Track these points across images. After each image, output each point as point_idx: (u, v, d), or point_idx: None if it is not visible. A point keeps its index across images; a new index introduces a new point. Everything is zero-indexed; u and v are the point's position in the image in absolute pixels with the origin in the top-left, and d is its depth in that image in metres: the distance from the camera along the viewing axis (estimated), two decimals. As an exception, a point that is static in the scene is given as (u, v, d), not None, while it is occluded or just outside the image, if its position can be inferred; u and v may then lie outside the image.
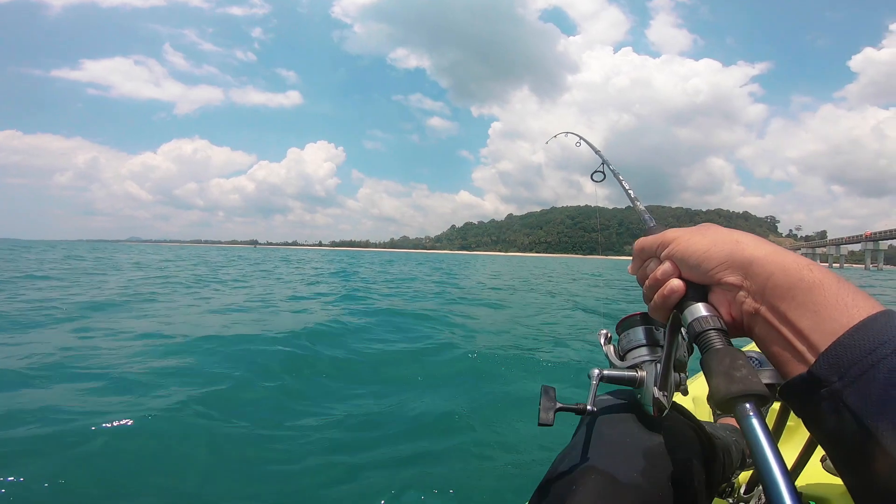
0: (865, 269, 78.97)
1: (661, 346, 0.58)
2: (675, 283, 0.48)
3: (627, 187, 0.79)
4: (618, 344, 0.64)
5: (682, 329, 0.49)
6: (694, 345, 0.45)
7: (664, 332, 0.56)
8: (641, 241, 0.55)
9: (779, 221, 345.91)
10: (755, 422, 0.34)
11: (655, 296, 0.50)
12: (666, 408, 0.55)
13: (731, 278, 0.44)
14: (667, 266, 0.50)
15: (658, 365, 0.55)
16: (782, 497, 0.29)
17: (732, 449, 0.82)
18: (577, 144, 1.08)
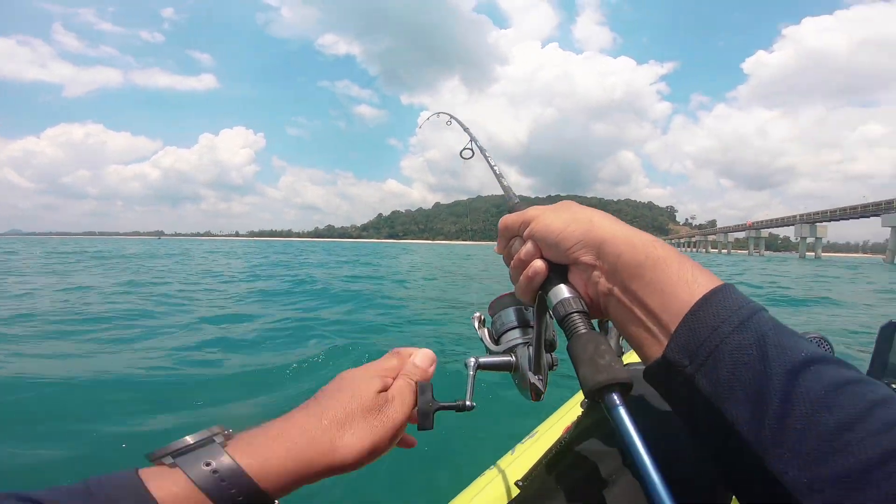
0: (749, 254, 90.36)
1: (532, 327, 0.58)
2: (538, 264, 0.47)
3: (493, 164, 0.79)
4: (491, 326, 0.63)
5: (549, 311, 0.48)
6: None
7: (533, 312, 0.55)
8: (506, 219, 0.54)
9: (677, 211, 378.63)
10: (622, 411, 0.34)
11: (521, 277, 0.50)
12: (542, 391, 0.54)
13: (586, 258, 0.44)
14: (529, 246, 0.49)
15: (530, 348, 0.55)
16: (658, 490, 0.30)
17: None
18: (448, 123, 1.05)
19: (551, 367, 0.56)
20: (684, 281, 0.37)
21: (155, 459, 0.33)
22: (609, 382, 0.35)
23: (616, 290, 0.41)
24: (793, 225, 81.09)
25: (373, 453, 0.40)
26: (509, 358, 0.56)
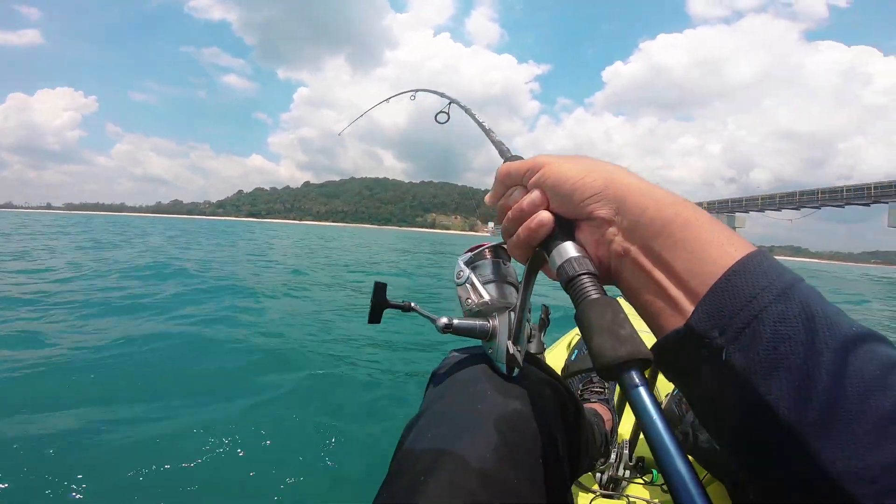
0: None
1: (510, 283, 0.53)
2: (544, 215, 0.41)
3: (481, 121, 0.72)
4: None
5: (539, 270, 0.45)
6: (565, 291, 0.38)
7: (504, 271, 0.52)
8: (508, 166, 0.47)
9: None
10: (643, 392, 0.29)
11: (520, 229, 0.43)
12: (520, 365, 0.47)
13: (603, 212, 0.38)
14: (535, 195, 0.43)
15: (512, 313, 0.48)
16: (684, 481, 0.26)
17: (595, 430, 0.73)
18: (412, 98, 1.04)
19: (530, 337, 0.51)
20: (718, 243, 0.32)
21: None
22: (631, 357, 0.30)
23: (634, 250, 0.36)
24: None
25: None
26: (486, 323, 0.50)
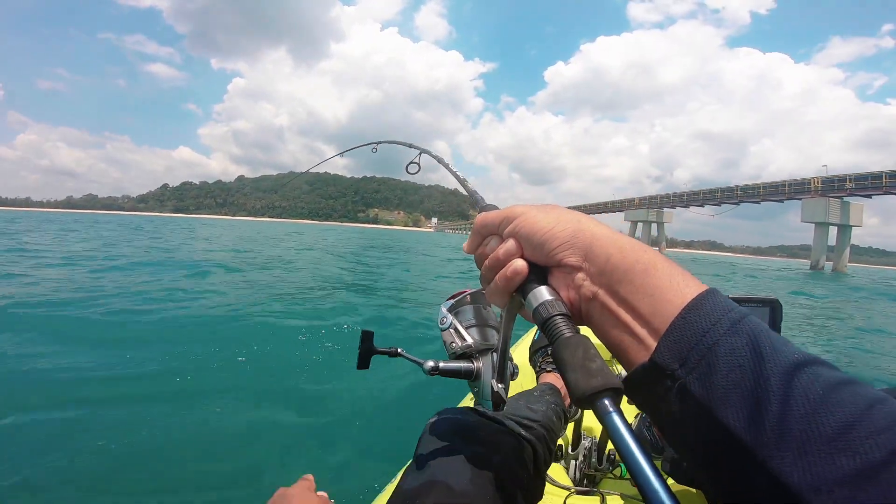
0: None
1: (491, 327, 0.57)
2: (519, 263, 0.45)
3: (456, 170, 0.76)
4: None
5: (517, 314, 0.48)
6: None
7: (484, 315, 0.56)
8: (484, 217, 0.50)
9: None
10: (616, 418, 0.32)
11: (497, 277, 0.47)
12: (504, 401, 0.52)
13: (572, 259, 0.42)
14: (510, 244, 0.46)
15: (494, 354, 0.52)
16: (658, 494, 0.28)
17: (553, 417, 0.85)
18: (374, 151, 1.05)
19: (513, 375, 0.54)
20: (675, 285, 0.36)
21: None
22: (602, 388, 0.33)
23: (601, 293, 0.39)
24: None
25: None
26: (470, 364, 0.53)
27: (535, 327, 1.74)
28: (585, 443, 1.16)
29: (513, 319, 0.50)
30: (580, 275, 0.41)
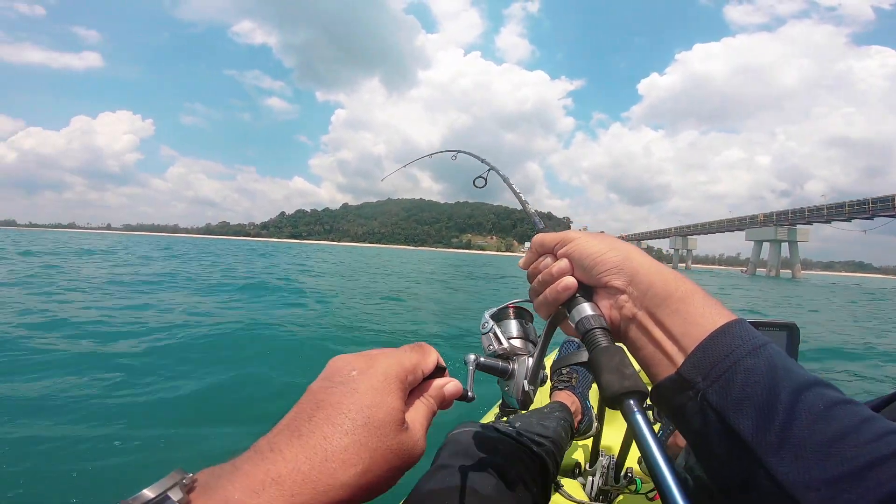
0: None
1: (531, 341, 0.63)
2: (570, 280, 0.50)
3: (518, 191, 0.82)
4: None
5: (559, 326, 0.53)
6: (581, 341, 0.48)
7: (524, 327, 0.62)
8: (542, 237, 0.57)
9: (573, 222, 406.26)
10: (639, 417, 0.37)
11: (547, 290, 0.52)
12: (531, 401, 0.57)
13: (618, 282, 0.48)
14: (563, 263, 0.52)
15: (529, 359, 0.58)
16: (671, 488, 0.33)
17: (561, 433, 0.93)
18: (453, 158, 1.08)
19: (542, 381, 0.59)
20: (707, 312, 0.42)
21: None
22: (631, 389, 0.39)
23: (641, 315, 0.45)
24: (668, 237, 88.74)
25: (386, 489, 0.35)
26: (507, 365, 0.58)
27: (557, 349, 1.98)
28: (603, 460, 1.20)
29: (553, 330, 0.56)
30: (623, 297, 0.47)
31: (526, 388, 0.56)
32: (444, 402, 0.43)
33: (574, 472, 1.21)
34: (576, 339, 1.22)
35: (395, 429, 0.34)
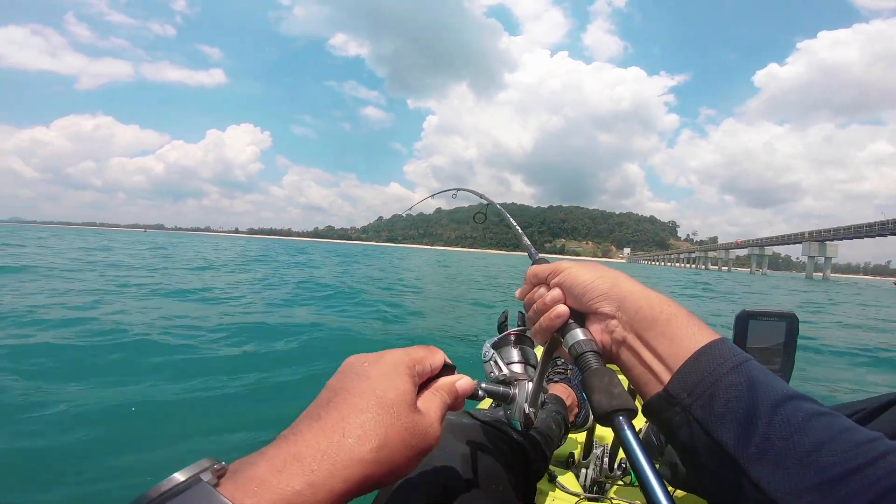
0: (751, 272, 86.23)
1: (532, 366, 0.66)
2: (562, 308, 0.53)
3: (514, 224, 0.86)
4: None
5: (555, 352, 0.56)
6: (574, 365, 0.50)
7: (525, 352, 0.65)
8: (535, 269, 0.60)
9: (679, 226, 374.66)
10: (629, 433, 0.40)
11: (542, 318, 0.55)
12: (533, 423, 0.59)
13: (607, 308, 0.50)
14: (556, 293, 0.55)
15: (529, 384, 0.60)
16: (659, 498, 0.35)
17: (552, 424, 0.95)
18: (454, 196, 1.11)
19: (542, 404, 0.61)
20: (690, 333, 0.45)
21: None
22: (620, 407, 0.41)
23: (630, 338, 0.48)
24: (800, 242, 76.86)
25: (403, 473, 0.37)
26: (508, 389, 0.60)
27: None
28: (597, 451, 1.21)
29: (550, 356, 0.59)
30: (613, 321, 0.50)
31: (527, 411, 0.58)
32: (456, 398, 0.45)
33: (568, 463, 1.22)
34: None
35: (408, 408, 0.37)
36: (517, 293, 0.63)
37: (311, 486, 0.30)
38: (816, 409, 0.37)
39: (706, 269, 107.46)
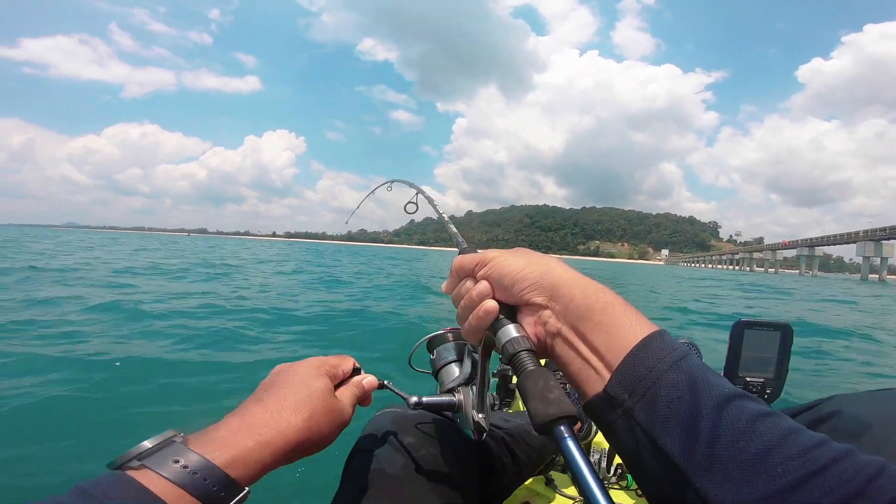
0: (800, 274, 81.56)
1: (469, 361, 0.62)
2: (490, 303, 0.49)
3: (441, 212, 0.84)
4: (431, 362, 0.66)
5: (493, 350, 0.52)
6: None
7: (474, 352, 0.61)
8: (460, 260, 0.55)
9: (720, 227, 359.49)
10: (570, 443, 0.37)
11: (470, 316, 0.51)
12: (486, 430, 0.56)
13: (539, 299, 0.47)
14: (483, 286, 0.50)
15: (473, 388, 0.57)
16: (598, 497, 0.33)
17: (531, 432, 0.88)
18: (389, 189, 1.12)
19: (493, 405, 0.60)
20: (628, 324, 0.42)
21: (121, 465, 0.36)
22: (559, 416, 0.37)
23: (564, 330, 0.45)
24: (854, 242, 71.99)
25: (326, 442, 0.48)
26: (452, 398, 0.58)
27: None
28: (594, 455, 1.20)
29: (488, 355, 0.54)
30: (546, 312, 0.47)
31: (476, 419, 0.55)
32: (364, 392, 0.56)
33: (565, 467, 1.20)
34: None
35: (328, 394, 0.49)
36: (443, 287, 0.58)
37: (260, 444, 0.41)
38: (759, 409, 0.35)
39: (751, 270, 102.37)
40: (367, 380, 0.57)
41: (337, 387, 0.53)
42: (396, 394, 0.58)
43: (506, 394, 1.16)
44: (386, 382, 0.59)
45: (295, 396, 0.46)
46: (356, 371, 0.57)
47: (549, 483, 1.13)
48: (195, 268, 12.50)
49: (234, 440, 0.40)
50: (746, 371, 0.80)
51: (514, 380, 0.43)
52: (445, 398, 0.58)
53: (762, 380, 0.76)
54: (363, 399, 0.56)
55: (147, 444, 0.37)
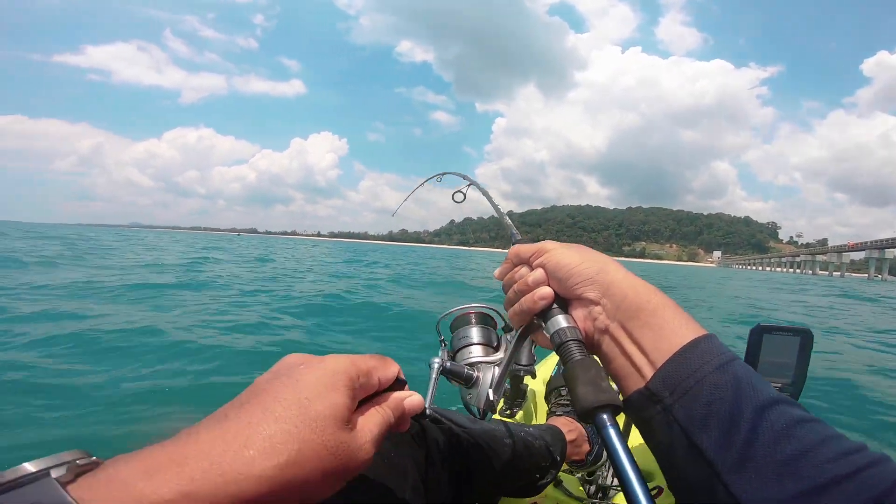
0: (868, 278, 76.28)
1: (493, 348, 0.62)
2: (546, 290, 0.50)
3: (496, 203, 0.84)
4: (450, 341, 0.66)
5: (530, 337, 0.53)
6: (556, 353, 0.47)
7: (487, 333, 0.61)
8: (518, 248, 0.57)
9: (780, 228, 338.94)
10: (612, 431, 0.38)
11: (523, 300, 0.52)
12: (494, 410, 0.56)
13: (592, 294, 0.48)
14: (539, 273, 0.52)
15: (497, 368, 0.58)
16: (639, 499, 0.34)
17: (534, 443, 0.85)
18: (439, 181, 1.07)
19: (507, 392, 0.57)
20: (676, 327, 0.43)
21: None
22: (606, 403, 0.39)
23: (613, 327, 0.46)
24: (934, 246, 66.51)
25: (318, 497, 0.31)
26: (472, 372, 0.58)
27: (552, 358, 1.91)
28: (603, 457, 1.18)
29: (523, 341, 0.55)
30: (597, 308, 0.47)
31: (491, 398, 0.55)
32: (402, 417, 0.40)
33: (572, 468, 1.19)
34: None
35: (336, 424, 0.32)
36: (496, 272, 0.60)
37: (186, 497, 0.25)
38: (802, 415, 0.36)
39: (813, 274, 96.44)
40: (411, 400, 0.41)
41: (362, 402, 0.37)
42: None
43: (515, 395, 1.08)
44: (430, 410, 0.48)
45: (275, 425, 0.29)
46: (399, 384, 0.41)
47: (558, 485, 1.13)
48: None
49: (145, 485, 0.25)
50: (764, 375, 0.80)
51: (529, 379, 0.44)
52: (467, 370, 0.59)
53: (780, 384, 0.77)
54: (398, 424, 0.40)
55: (29, 467, 0.24)
